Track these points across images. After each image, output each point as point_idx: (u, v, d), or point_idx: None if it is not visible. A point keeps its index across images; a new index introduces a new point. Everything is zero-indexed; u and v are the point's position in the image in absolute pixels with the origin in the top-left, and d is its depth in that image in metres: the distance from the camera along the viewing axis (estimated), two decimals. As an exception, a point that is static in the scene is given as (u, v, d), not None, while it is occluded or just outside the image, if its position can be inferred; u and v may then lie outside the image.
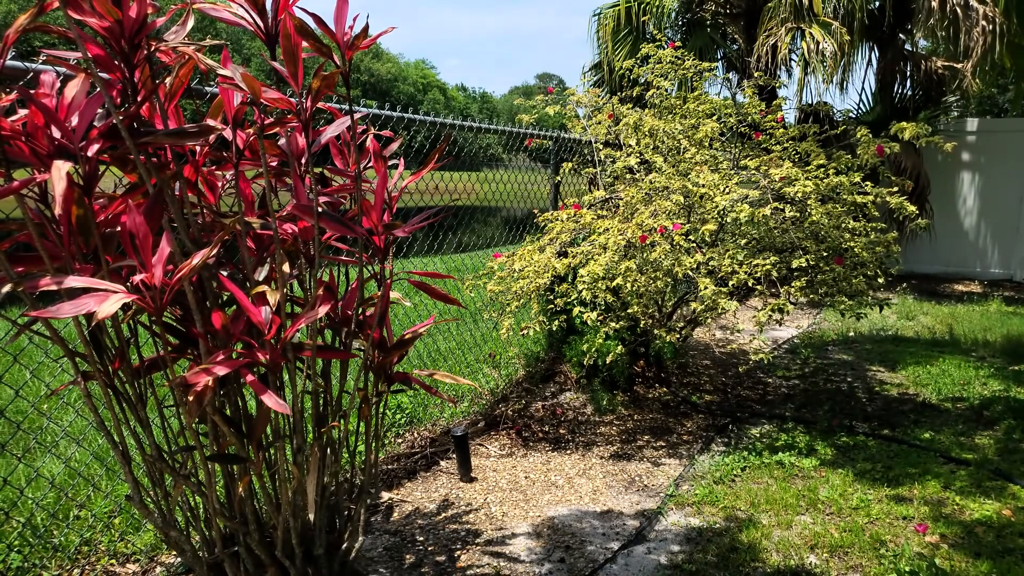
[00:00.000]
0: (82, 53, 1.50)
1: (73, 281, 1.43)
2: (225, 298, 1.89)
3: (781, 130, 4.14)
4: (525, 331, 3.69)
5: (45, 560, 2.46)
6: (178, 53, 1.68)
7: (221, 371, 1.57)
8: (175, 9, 1.75)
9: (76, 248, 1.55)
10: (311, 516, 2.04)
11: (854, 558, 2.62)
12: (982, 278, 9.25)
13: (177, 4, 1.76)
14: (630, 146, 4.20)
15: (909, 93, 8.72)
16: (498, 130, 4.60)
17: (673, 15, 8.89)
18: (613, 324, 3.71)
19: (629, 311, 3.70)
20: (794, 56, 7.90)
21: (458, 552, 2.75)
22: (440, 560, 2.69)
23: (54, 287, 1.44)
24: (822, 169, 3.73)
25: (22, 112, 1.58)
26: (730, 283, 3.37)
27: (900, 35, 8.52)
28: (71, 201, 1.50)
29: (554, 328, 3.99)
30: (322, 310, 1.74)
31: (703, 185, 3.50)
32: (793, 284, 3.53)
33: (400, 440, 3.67)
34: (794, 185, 3.48)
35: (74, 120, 1.54)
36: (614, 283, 3.44)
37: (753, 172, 3.69)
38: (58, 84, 1.64)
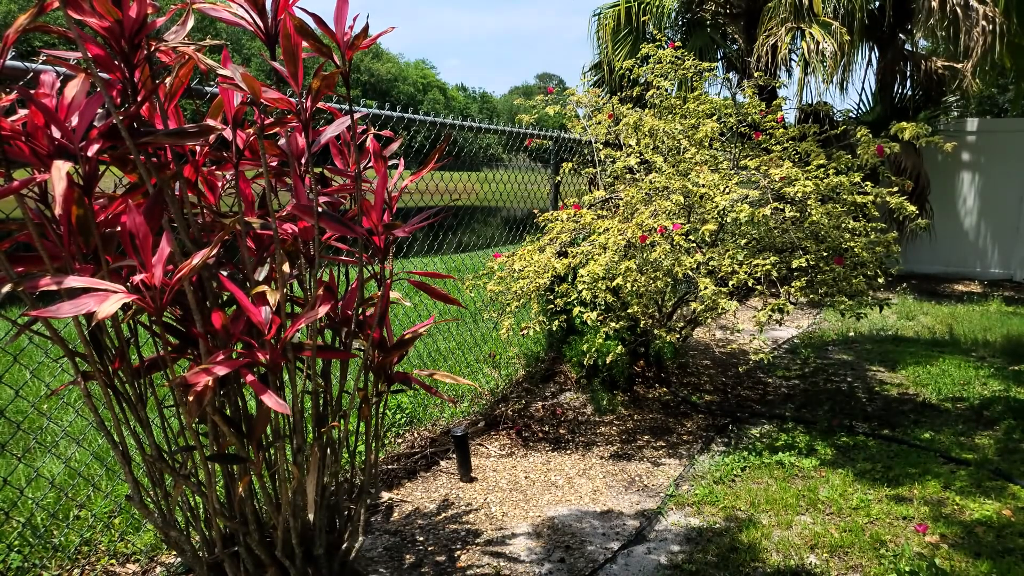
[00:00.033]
0: (82, 53, 1.50)
1: (73, 281, 1.43)
2: (225, 298, 1.89)
3: (781, 130, 4.14)
4: (525, 331, 3.69)
5: (45, 560, 2.46)
6: (178, 53, 1.68)
7: (221, 371, 1.57)
8: (175, 9, 1.75)
9: (76, 248, 1.55)
10: (311, 516, 2.04)
11: (854, 558, 2.62)
12: (982, 278, 9.25)
13: (177, 4, 1.76)
14: (630, 146, 4.20)
15: (909, 93, 8.72)
16: (498, 130, 4.60)
17: (673, 15, 8.89)
18: (613, 324, 3.71)
19: (629, 311, 3.70)
20: (794, 56, 7.90)
21: (458, 552, 2.75)
22: (440, 560, 2.69)
23: (54, 287, 1.44)
24: (822, 169, 3.73)
25: (22, 112, 1.58)
26: (730, 283, 3.37)
27: (900, 35, 8.52)
28: (71, 201, 1.50)
29: (554, 328, 3.99)
30: (322, 310, 1.74)
31: (703, 185, 3.50)
32: (793, 284, 3.53)
33: (400, 440, 3.67)
34: (794, 185, 3.48)
35: (74, 120, 1.54)
36: (614, 283, 3.44)
37: (753, 172, 3.69)
38: (58, 84, 1.64)
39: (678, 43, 8.05)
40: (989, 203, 9.16)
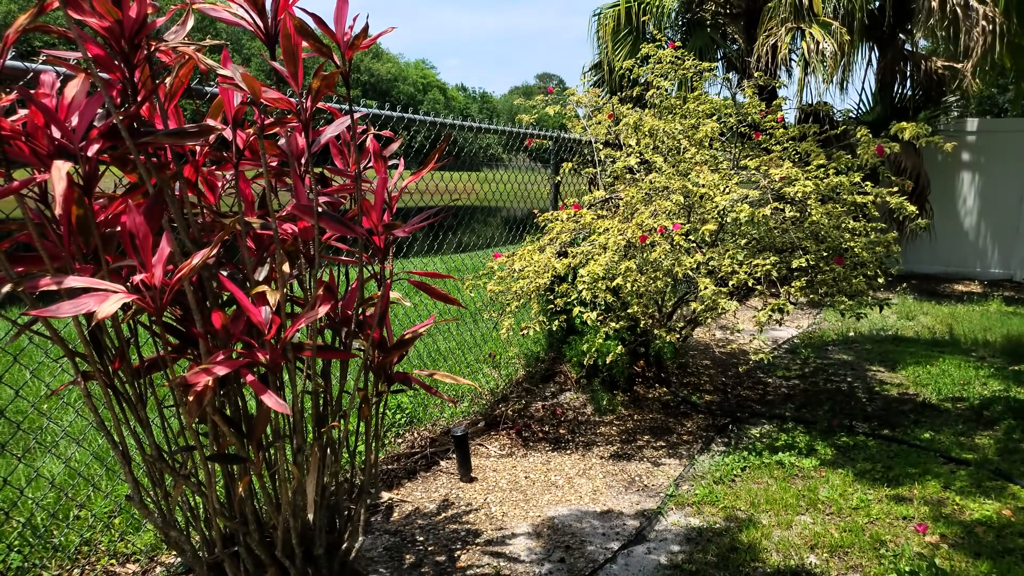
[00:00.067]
0: (82, 53, 1.50)
1: (73, 281, 1.43)
2: (225, 298, 1.89)
3: (781, 130, 4.14)
4: (525, 331, 3.69)
5: (45, 560, 2.46)
6: (178, 53, 1.68)
7: (221, 371, 1.57)
8: (175, 9, 1.75)
9: (76, 248, 1.55)
10: (311, 516, 2.04)
11: (854, 558, 2.62)
12: (982, 278, 9.25)
13: (177, 4, 1.76)
14: (630, 146, 4.20)
15: (909, 93, 8.72)
16: (498, 130, 4.60)
17: (673, 15, 8.89)
18: (613, 324, 3.71)
19: (629, 311, 3.70)
20: (794, 56, 7.90)
21: (458, 552, 2.75)
22: (440, 560, 2.69)
23: (54, 287, 1.44)
24: (822, 169, 3.73)
25: (22, 112, 1.58)
26: (730, 283, 3.37)
27: (900, 35, 8.52)
28: (71, 201, 1.50)
29: (554, 328, 3.99)
30: (322, 310, 1.74)
31: (703, 185, 3.50)
32: (793, 284, 3.53)
33: (400, 440, 3.67)
34: (794, 185, 3.48)
35: (74, 120, 1.54)
36: (614, 283, 3.44)
37: (753, 172, 3.69)
38: (58, 84, 1.64)
39: (678, 43, 8.05)
40: (989, 203, 9.16)
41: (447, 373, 2.33)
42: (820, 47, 7.15)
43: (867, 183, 3.68)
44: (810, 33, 7.28)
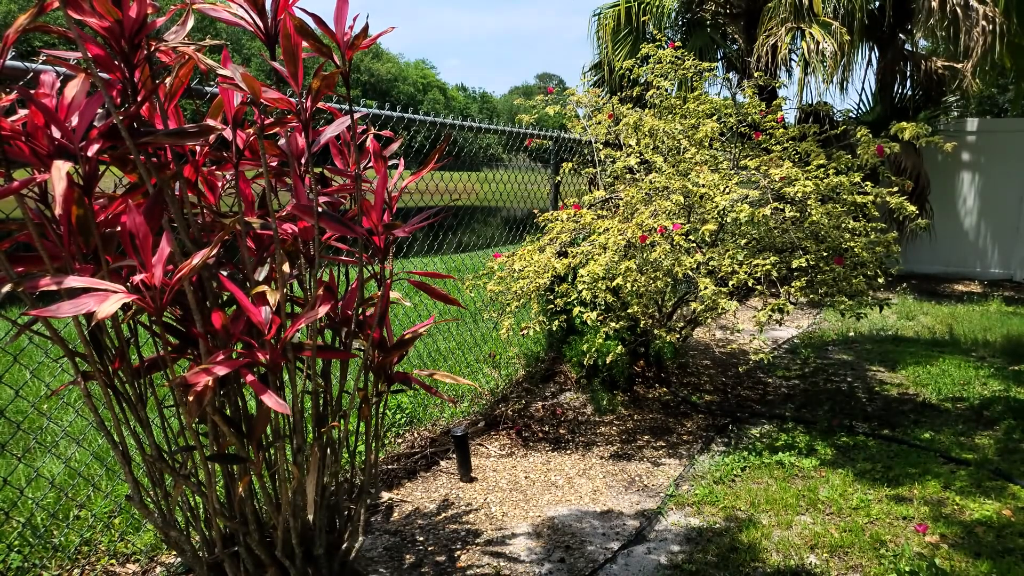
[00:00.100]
0: (82, 53, 1.50)
1: (73, 281, 1.43)
2: (225, 298, 1.89)
3: (781, 130, 4.14)
4: (525, 331, 3.69)
5: (45, 560, 2.46)
6: (178, 53, 1.68)
7: (221, 371, 1.57)
8: (175, 9, 1.75)
9: (76, 248, 1.55)
10: (311, 516, 2.04)
11: (854, 558, 2.62)
12: (982, 278, 9.25)
13: (177, 4, 1.76)
14: (630, 146, 4.20)
15: (909, 93, 8.72)
16: (498, 130, 4.60)
17: (673, 15, 8.89)
18: (613, 324, 3.71)
19: (629, 311, 3.70)
20: (794, 56, 7.90)
21: (458, 552, 2.75)
22: (440, 560, 2.69)
23: (54, 287, 1.44)
24: (822, 169, 3.73)
25: (22, 112, 1.58)
26: (730, 283, 3.37)
27: (900, 35, 8.52)
28: (71, 201, 1.50)
29: (554, 328, 3.99)
30: (322, 310, 1.74)
31: (703, 185, 3.50)
32: (793, 284, 3.53)
33: (400, 440, 3.67)
34: (794, 185, 3.48)
35: (74, 120, 1.54)
36: (614, 283, 3.44)
37: (753, 172, 3.69)
38: (58, 84, 1.64)
39: (678, 43, 8.05)
40: (989, 203, 9.16)
41: (447, 373, 2.33)
42: (820, 47, 7.15)
43: (867, 183, 3.69)
44: (810, 33, 7.28)
